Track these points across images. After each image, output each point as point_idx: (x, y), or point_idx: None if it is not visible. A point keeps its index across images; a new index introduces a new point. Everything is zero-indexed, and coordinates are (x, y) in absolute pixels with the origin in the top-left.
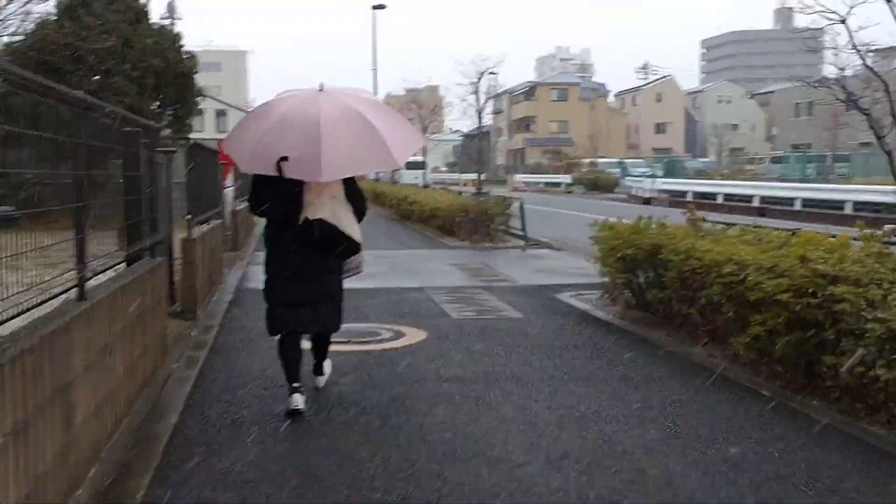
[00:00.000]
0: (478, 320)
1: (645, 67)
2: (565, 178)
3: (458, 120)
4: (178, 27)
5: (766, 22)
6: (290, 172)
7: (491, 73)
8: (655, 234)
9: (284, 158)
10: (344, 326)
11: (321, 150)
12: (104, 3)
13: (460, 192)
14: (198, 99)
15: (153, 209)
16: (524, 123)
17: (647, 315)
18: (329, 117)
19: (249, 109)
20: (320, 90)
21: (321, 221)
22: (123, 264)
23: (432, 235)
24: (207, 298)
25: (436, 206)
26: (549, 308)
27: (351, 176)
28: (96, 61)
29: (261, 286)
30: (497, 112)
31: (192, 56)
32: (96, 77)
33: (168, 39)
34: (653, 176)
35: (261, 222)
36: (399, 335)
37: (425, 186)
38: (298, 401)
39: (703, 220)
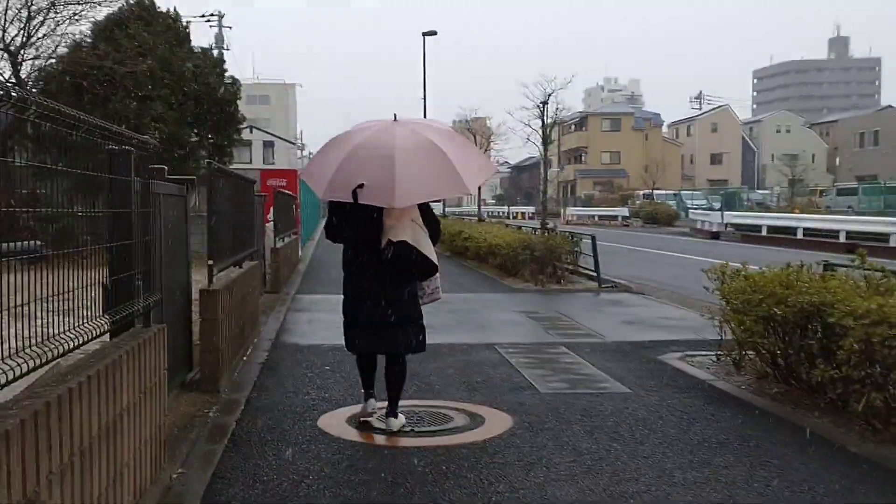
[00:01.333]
0: (574, 397)
1: (699, 97)
2: (621, 211)
3: (519, 148)
4: (225, 54)
5: (819, 52)
6: (366, 199)
7: (543, 103)
8: (814, 287)
9: (360, 186)
10: (406, 404)
11: (395, 177)
12: (142, 24)
13: (519, 227)
14: (241, 127)
15: (148, 258)
16: (575, 154)
17: (789, 388)
18: (402, 145)
19: (296, 140)
20: (395, 120)
21: (404, 243)
22: (107, 336)
23: (492, 275)
24: (236, 361)
25: (495, 243)
26: (659, 377)
27: (425, 202)
28: (133, 85)
29: (301, 340)
30: (546, 143)
31: (235, 81)
32: (133, 103)
33: (210, 64)
34: (721, 208)
35: (305, 259)
36: (476, 420)
37: (480, 220)
38: (374, 404)
39: (882, 270)
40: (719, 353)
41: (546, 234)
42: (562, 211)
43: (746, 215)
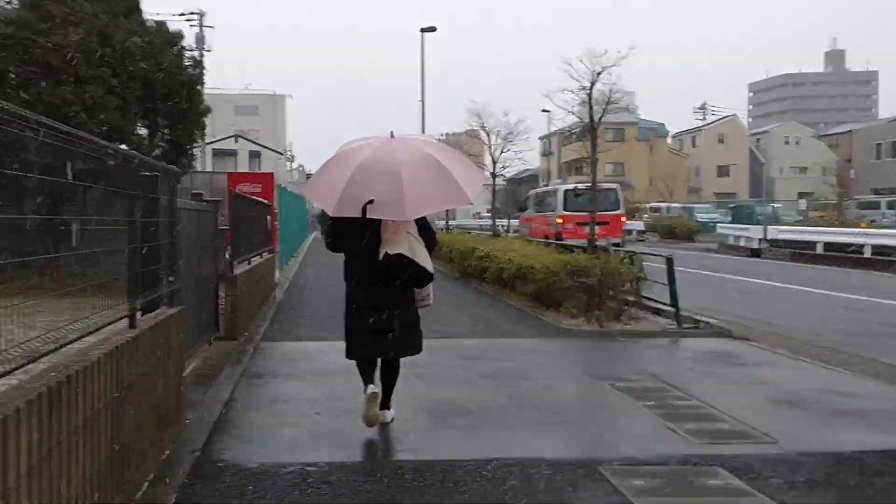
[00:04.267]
0: None
1: (703, 108)
2: (636, 225)
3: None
4: (208, 59)
5: (816, 65)
6: (376, 214)
7: (591, 84)
8: None
9: (370, 201)
10: None
11: (404, 192)
12: None
13: (549, 244)
14: (204, 120)
15: None
16: (576, 165)
17: None
18: (406, 161)
19: (285, 151)
20: (392, 137)
21: (400, 255)
22: None
23: (524, 306)
24: None
25: (526, 265)
26: None
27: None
28: (63, 63)
29: (248, 456)
30: (546, 154)
31: (197, 63)
32: (64, 88)
33: (164, 39)
34: (764, 222)
35: (284, 284)
36: None
37: (495, 235)
38: (373, 388)
39: None
40: None
41: (596, 254)
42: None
43: (797, 230)
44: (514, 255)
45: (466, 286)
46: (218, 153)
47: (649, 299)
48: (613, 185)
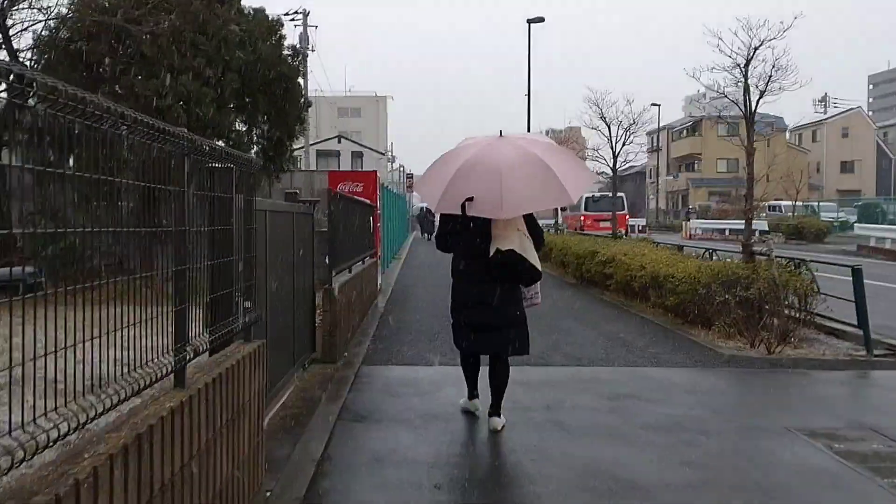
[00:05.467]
0: None
1: (823, 100)
2: (758, 224)
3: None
4: (311, 59)
5: None
6: (474, 211)
7: (746, 61)
8: None
9: (469, 199)
10: None
11: (501, 191)
12: None
13: (680, 247)
14: (304, 115)
15: None
16: (686, 162)
17: None
18: (508, 161)
19: (386, 152)
20: (500, 136)
21: (511, 252)
22: None
23: (664, 322)
24: None
25: (664, 272)
26: None
27: (530, 212)
28: (155, 52)
29: None
30: (653, 150)
31: (297, 52)
32: (154, 80)
33: (264, 27)
34: None
35: (387, 290)
36: None
37: (615, 236)
38: (478, 405)
39: None
40: None
41: (752, 261)
42: (683, 224)
43: None
44: (646, 261)
45: (587, 295)
46: (321, 154)
47: (819, 316)
48: (620, 194)
